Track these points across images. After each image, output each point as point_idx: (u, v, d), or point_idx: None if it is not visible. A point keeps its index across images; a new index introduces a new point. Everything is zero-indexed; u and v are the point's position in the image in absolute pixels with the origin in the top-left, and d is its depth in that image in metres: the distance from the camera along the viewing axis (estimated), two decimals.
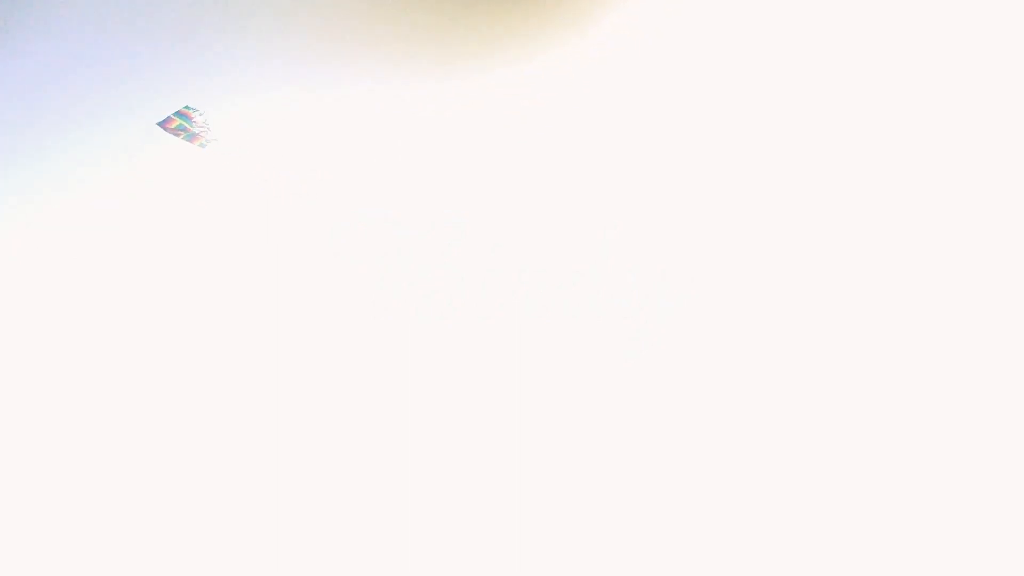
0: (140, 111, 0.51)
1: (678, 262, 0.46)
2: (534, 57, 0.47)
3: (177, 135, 0.53)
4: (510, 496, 0.42)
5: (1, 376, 0.54)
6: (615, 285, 0.45)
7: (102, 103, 0.52)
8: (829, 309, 0.46)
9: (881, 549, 0.40)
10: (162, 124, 0.56)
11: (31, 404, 0.55)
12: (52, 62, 0.51)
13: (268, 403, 0.54)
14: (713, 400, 0.46)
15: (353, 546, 0.44)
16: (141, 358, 0.56)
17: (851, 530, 0.41)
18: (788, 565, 0.40)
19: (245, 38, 0.51)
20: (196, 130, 0.56)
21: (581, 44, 0.47)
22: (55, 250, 0.55)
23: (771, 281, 0.46)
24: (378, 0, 0.47)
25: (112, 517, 0.51)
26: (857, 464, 0.42)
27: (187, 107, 0.52)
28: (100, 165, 0.54)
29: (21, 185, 0.53)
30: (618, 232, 0.45)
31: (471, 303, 0.46)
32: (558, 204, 0.46)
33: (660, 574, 0.40)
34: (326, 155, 0.51)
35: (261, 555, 0.45)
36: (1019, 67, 0.50)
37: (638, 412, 0.45)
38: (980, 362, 0.44)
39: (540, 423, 0.46)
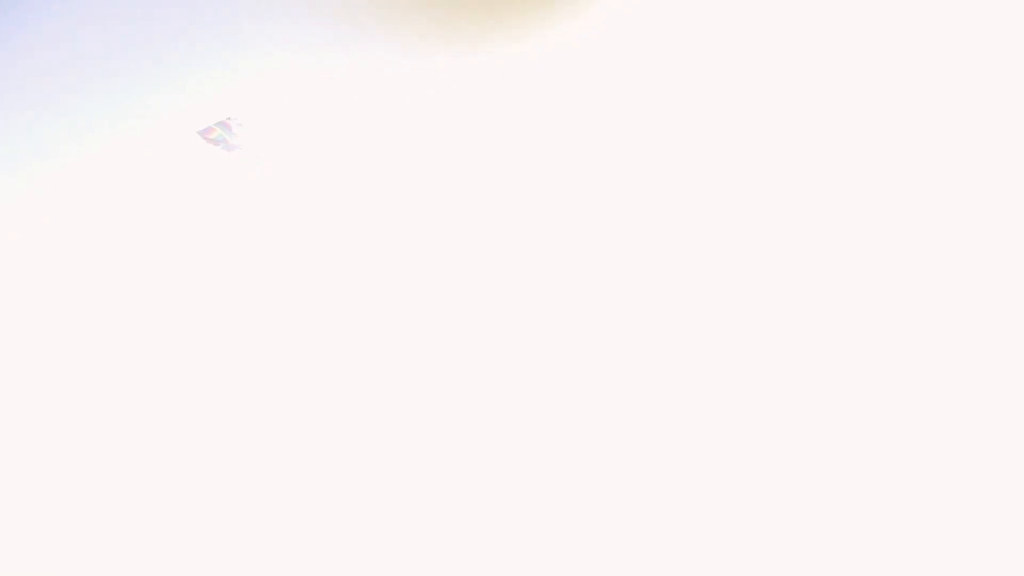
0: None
1: (683, 256, 0.46)
2: (535, 35, 0.47)
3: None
4: (509, 496, 0.42)
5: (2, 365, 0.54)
6: (613, 279, 0.45)
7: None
8: (829, 309, 0.46)
9: (881, 548, 0.41)
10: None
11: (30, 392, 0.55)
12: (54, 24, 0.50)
13: (262, 395, 0.54)
14: (714, 400, 0.46)
15: (354, 545, 0.44)
16: (136, 344, 0.56)
17: (851, 529, 0.41)
18: (788, 565, 0.40)
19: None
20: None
21: (585, 23, 0.46)
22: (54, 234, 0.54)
23: (768, 277, 0.46)
24: None
25: (113, 515, 0.51)
26: (856, 463, 0.42)
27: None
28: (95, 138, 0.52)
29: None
30: (620, 219, 0.45)
31: (469, 294, 0.45)
32: (565, 190, 0.45)
33: (661, 573, 0.40)
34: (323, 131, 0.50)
35: (262, 553, 0.45)
36: (1019, 67, 0.50)
37: (638, 412, 0.46)
38: (980, 362, 0.44)
39: (540, 423, 0.46)
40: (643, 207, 0.46)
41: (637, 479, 0.43)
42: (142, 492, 0.49)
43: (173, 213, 0.52)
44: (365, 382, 0.48)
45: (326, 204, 0.50)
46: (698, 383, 0.45)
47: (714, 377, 0.45)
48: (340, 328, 0.48)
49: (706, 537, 0.42)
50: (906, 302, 0.45)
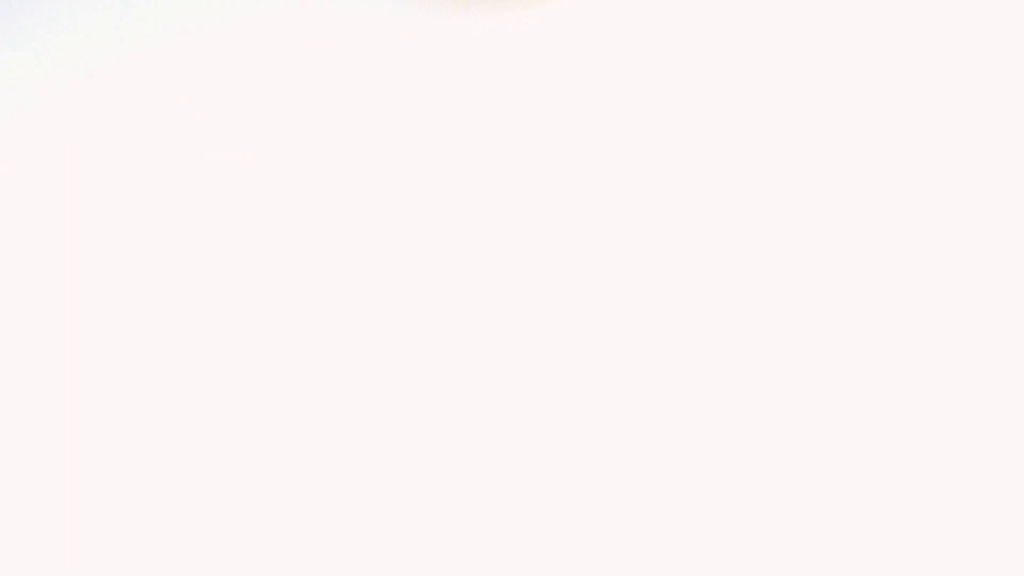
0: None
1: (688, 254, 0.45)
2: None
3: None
4: (512, 497, 0.42)
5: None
6: (614, 273, 0.45)
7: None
8: (829, 310, 0.46)
9: (881, 549, 0.41)
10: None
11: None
12: None
13: (255, 387, 0.54)
14: (714, 401, 0.46)
15: (355, 547, 0.44)
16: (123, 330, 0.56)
17: (851, 529, 0.41)
18: (788, 565, 0.40)
19: None
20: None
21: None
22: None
23: (766, 275, 0.46)
24: None
25: (113, 517, 0.51)
26: (858, 463, 0.42)
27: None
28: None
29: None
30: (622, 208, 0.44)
31: (468, 283, 0.45)
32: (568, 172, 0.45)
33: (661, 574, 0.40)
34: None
35: (263, 555, 0.45)
36: (1019, 67, 0.50)
37: (640, 411, 0.45)
38: (980, 362, 0.44)
39: (543, 423, 0.46)
40: (664, 195, 0.45)
41: (638, 478, 0.43)
42: (140, 490, 0.49)
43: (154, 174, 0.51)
44: (360, 368, 0.47)
45: (322, 177, 0.49)
46: (698, 382, 0.45)
47: (714, 376, 0.45)
48: (346, 298, 0.48)
49: (706, 537, 0.42)
50: (907, 302, 0.45)
